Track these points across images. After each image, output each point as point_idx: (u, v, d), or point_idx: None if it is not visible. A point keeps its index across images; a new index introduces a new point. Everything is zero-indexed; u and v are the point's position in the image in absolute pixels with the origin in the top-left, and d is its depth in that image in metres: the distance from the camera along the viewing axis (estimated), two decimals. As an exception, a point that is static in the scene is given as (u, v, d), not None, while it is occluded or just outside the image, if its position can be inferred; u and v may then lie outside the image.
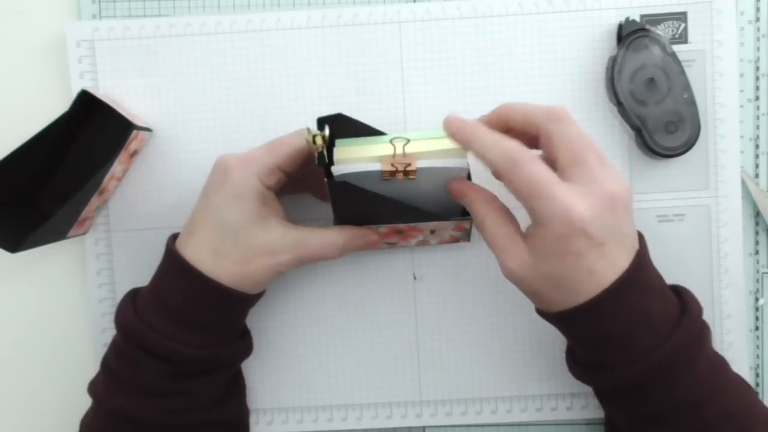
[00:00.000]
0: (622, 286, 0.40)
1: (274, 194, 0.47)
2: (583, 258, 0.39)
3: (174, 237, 0.48)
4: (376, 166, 0.43)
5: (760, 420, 0.42)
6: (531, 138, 0.43)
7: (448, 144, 0.43)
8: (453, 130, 0.42)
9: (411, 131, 0.52)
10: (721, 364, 0.43)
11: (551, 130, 0.41)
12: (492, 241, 0.43)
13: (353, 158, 0.44)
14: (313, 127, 0.43)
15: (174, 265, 0.46)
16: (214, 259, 0.45)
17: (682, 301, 0.43)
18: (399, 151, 0.44)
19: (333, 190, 0.44)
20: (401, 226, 0.47)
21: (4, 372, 0.55)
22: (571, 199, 0.39)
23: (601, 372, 0.43)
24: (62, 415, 0.54)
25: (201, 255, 0.45)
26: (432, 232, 0.49)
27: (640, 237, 0.43)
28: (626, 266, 0.40)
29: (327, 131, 0.43)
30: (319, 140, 0.43)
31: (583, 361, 0.45)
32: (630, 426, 0.44)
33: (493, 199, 0.44)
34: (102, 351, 0.49)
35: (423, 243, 0.52)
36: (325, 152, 0.43)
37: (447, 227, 0.48)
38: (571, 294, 0.41)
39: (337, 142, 0.44)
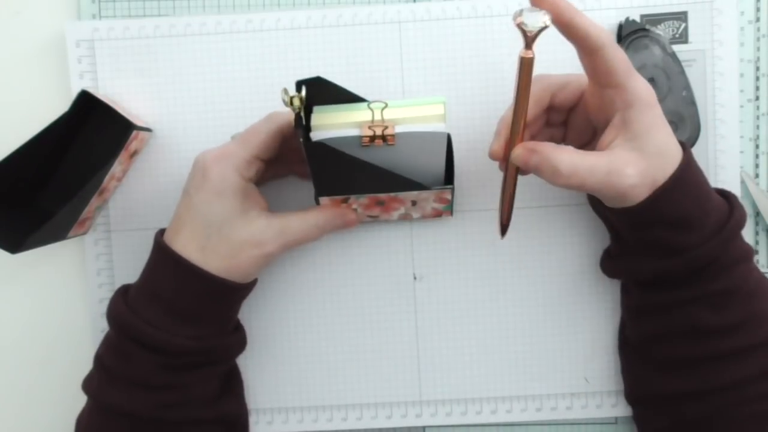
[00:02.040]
0: (691, 161, 0.44)
1: (254, 185, 0.48)
2: (666, 126, 0.43)
3: (161, 232, 0.49)
4: (355, 132, 0.44)
5: None
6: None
7: (425, 111, 0.44)
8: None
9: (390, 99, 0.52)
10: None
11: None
12: (590, 178, 0.42)
13: (331, 124, 0.44)
14: (292, 90, 0.43)
15: (163, 258, 0.47)
16: (202, 255, 0.46)
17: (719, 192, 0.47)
18: (377, 116, 0.44)
19: (310, 153, 0.44)
20: (382, 196, 0.47)
21: (3, 372, 0.55)
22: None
23: (671, 257, 0.44)
24: (61, 414, 0.54)
25: (188, 252, 0.46)
26: (413, 203, 0.49)
27: None
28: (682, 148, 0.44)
29: (303, 92, 0.43)
30: (296, 101, 0.42)
31: (646, 251, 0.46)
32: (669, 314, 0.46)
33: (552, 146, 0.44)
34: (102, 351, 0.49)
35: (405, 216, 0.52)
36: (302, 114, 0.43)
37: (428, 198, 0.48)
38: (667, 163, 0.43)
39: (315, 108, 0.44)
